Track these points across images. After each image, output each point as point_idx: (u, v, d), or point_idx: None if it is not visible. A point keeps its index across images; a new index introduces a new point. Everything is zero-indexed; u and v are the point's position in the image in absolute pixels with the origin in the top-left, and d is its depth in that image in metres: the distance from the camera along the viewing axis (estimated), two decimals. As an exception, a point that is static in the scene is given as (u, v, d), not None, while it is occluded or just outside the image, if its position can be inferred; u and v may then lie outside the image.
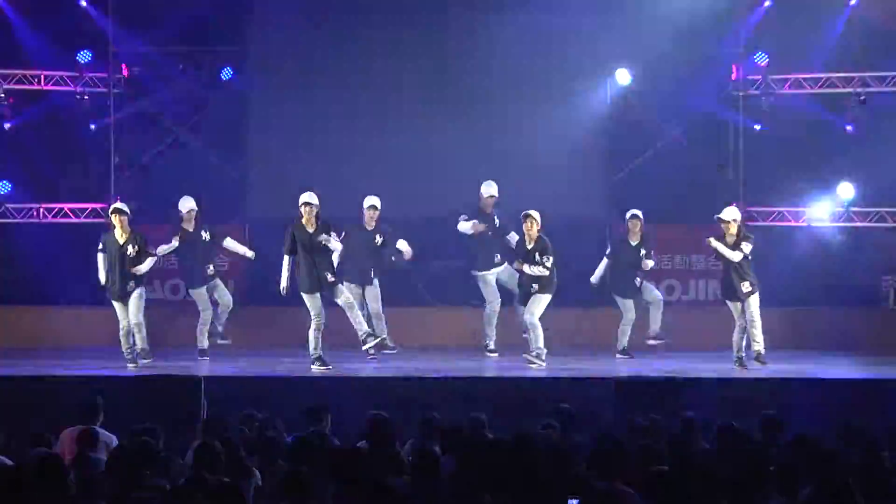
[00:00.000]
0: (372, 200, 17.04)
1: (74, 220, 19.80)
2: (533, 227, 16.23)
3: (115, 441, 10.91)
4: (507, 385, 14.90)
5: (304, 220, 15.72)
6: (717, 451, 10.46)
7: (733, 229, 16.17)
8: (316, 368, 15.45)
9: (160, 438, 10.40)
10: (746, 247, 16.10)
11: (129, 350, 15.96)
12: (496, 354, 17.21)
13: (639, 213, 17.56)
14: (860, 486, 8.35)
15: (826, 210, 19.69)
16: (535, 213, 16.26)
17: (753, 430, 10.97)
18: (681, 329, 17.81)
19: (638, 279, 17.56)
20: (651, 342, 17.55)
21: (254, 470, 9.68)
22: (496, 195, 17.42)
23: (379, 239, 16.94)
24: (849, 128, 19.38)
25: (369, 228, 17.04)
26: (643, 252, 17.45)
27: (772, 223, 19.94)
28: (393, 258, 18.31)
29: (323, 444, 9.89)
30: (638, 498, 8.62)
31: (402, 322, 17.55)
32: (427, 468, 8.90)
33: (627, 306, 17.46)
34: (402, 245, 17.05)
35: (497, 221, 17.41)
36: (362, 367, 15.81)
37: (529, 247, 16.27)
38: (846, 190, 19.54)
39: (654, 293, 17.74)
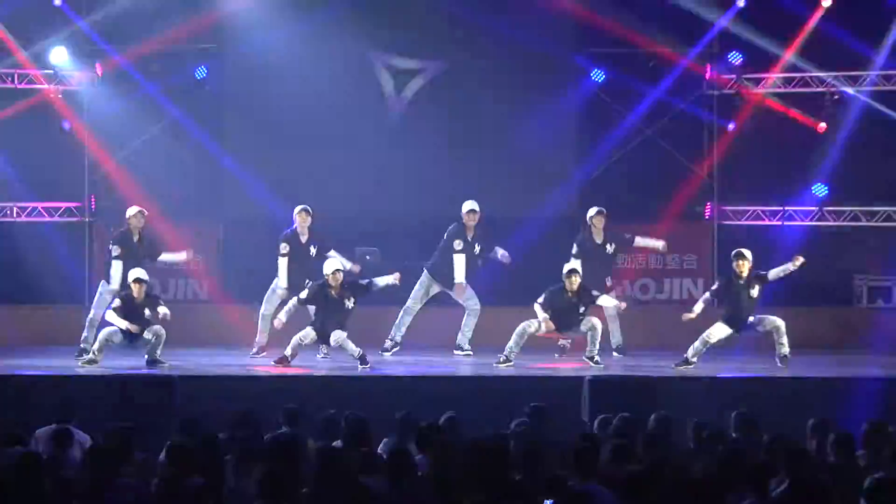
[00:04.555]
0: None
1: (48, 219, 19.74)
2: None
3: (89, 440, 10.89)
4: (482, 384, 14.90)
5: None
6: (691, 450, 10.49)
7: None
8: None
9: (135, 438, 10.38)
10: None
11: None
12: (396, 350, 17.15)
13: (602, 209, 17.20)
14: (834, 485, 8.39)
15: (800, 209, 19.75)
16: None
17: (728, 428, 11.00)
18: (656, 328, 17.84)
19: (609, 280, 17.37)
20: (616, 354, 17.29)
21: (228, 469, 9.66)
22: (477, 210, 17.09)
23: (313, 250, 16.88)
24: (822, 127, 19.42)
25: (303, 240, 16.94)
26: (609, 249, 17.24)
27: (745, 222, 20.00)
28: (368, 257, 18.31)
29: (298, 444, 9.88)
30: (613, 497, 8.64)
31: (384, 321, 17.53)
32: (403, 468, 8.91)
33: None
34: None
35: (477, 248, 17.18)
36: (339, 366, 15.81)
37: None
38: (819, 189, 19.62)
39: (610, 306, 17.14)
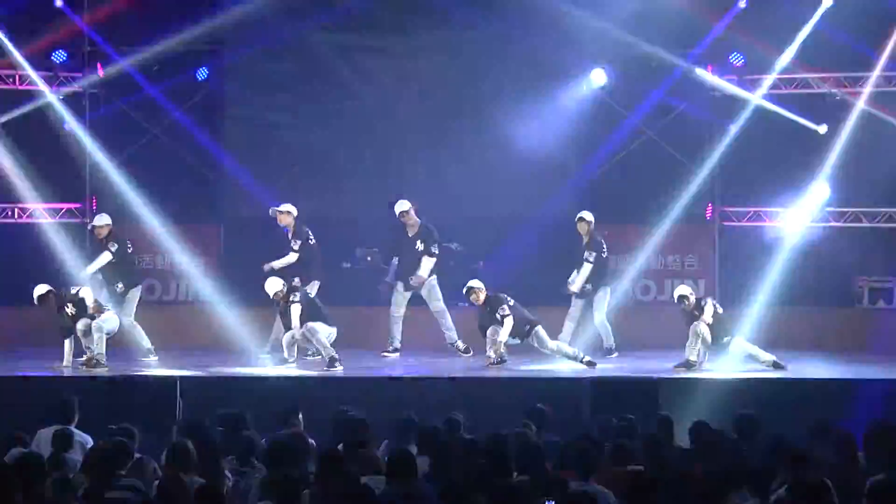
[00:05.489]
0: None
1: (49, 220, 19.72)
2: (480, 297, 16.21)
3: (90, 442, 10.91)
4: (482, 386, 14.90)
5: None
6: (691, 450, 10.50)
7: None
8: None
9: (135, 439, 10.40)
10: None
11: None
12: (397, 354, 17.24)
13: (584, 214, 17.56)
14: (835, 486, 8.39)
15: (801, 210, 19.73)
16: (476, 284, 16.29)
17: (728, 429, 11.00)
18: (656, 329, 17.82)
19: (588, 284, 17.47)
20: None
21: (226, 470, 9.67)
22: (407, 210, 17.27)
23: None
24: (823, 128, 19.40)
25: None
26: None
27: (747, 223, 19.99)
28: (369, 258, 18.32)
29: (300, 446, 9.90)
30: (614, 498, 8.65)
31: (381, 322, 17.53)
32: (403, 469, 8.91)
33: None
34: None
35: (420, 245, 17.25)
36: (339, 368, 15.79)
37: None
38: (821, 190, 19.60)
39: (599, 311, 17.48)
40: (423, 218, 17.40)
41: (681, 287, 16.51)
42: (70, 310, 15.80)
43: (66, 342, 15.85)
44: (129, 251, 17.34)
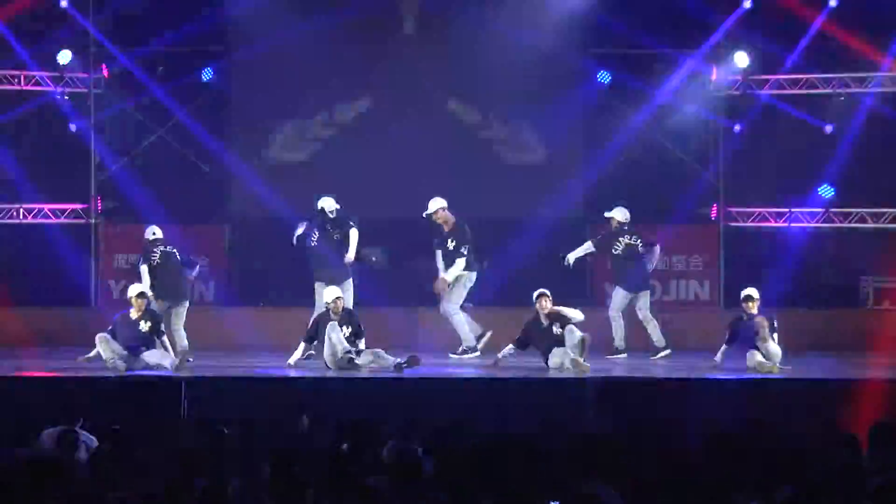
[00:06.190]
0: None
1: (54, 220, 19.76)
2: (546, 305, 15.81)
3: (95, 442, 10.91)
4: (488, 386, 14.88)
5: None
6: (696, 451, 10.48)
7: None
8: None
9: (140, 439, 10.40)
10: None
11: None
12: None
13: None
14: (841, 487, 8.38)
15: (806, 211, 19.73)
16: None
17: (735, 430, 10.99)
18: (662, 329, 17.79)
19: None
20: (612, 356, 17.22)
21: (232, 472, 9.67)
22: (431, 212, 16.97)
23: None
24: (828, 128, 19.40)
25: None
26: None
27: (752, 224, 19.99)
28: (374, 258, 18.32)
29: (304, 446, 9.89)
30: (618, 499, 8.64)
31: (389, 323, 17.53)
32: (408, 469, 8.91)
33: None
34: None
35: (451, 243, 16.92)
36: (344, 368, 15.78)
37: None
38: (826, 191, 19.60)
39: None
40: (459, 217, 17.13)
41: (751, 289, 15.96)
42: (145, 325, 15.57)
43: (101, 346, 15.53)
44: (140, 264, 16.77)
